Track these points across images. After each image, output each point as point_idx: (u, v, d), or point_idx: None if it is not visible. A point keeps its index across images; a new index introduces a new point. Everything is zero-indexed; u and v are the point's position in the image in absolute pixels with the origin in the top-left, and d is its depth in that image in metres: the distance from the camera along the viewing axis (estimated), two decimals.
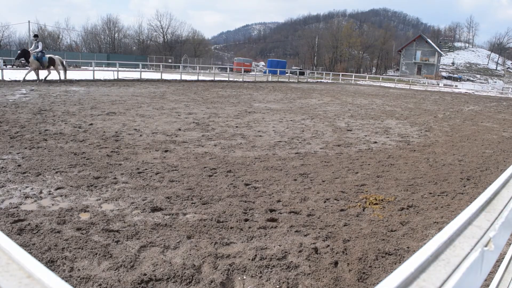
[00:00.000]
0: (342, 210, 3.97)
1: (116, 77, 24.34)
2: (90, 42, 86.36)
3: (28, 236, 2.94)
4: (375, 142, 8.08)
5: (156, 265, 2.63)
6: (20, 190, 3.96)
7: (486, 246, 0.67)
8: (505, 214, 0.81)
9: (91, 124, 8.12)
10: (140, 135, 7.28)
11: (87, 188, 4.16)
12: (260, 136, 8.00)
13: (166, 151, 6.17)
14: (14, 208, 3.48)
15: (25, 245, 2.81)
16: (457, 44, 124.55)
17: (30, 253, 2.60)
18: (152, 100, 13.46)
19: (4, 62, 20.51)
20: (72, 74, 21.43)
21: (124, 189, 4.22)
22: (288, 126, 9.53)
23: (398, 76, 71.17)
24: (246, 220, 3.50)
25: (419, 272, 0.54)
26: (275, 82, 34.89)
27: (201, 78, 30.26)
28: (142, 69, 27.61)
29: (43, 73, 17.97)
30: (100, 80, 21.64)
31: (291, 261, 2.78)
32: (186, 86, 21.82)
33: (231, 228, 3.31)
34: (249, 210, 3.78)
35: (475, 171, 6.06)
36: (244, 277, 2.57)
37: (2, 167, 4.70)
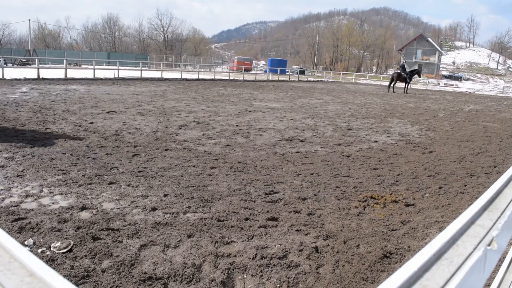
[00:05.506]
0: (342, 209, 3.97)
1: (116, 76, 24.35)
2: (90, 40, 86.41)
3: (29, 235, 2.94)
4: (376, 141, 8.08)
5: (157, 264, 2.63)
6: (20, 189, 3.96)
7: (489, 245, 0.66)
8: (508, 213, 0.80)
9: (92, 122, 8.12)
10: (141, 134, 7.28)
11: (88, 186, 4.16)
12: (261, 135, 8.00)
13: (166, 149, 6.16)
14: (14, 206, 3.48)
15: (25, 243, 2.81)
16: (458, 43, 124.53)
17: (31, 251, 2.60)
18: (153, 98, 13.45)
19: (4, 60, 20.51)
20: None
21: (125, 187, 4.22)
22: (288, 125, 9.52)
23: None
24: (247, 219, 3.50)
25: (422, 271, 0.54)
26: (276, 81, 34.87)
27: (201, 76, 30.26)
28: (143, 68, 27.61)
29: None
30: (100, 79, 21.65)
31: (292, 260, 2.78)
32: (187, 85, 21.81)
33: (232, 227, 3.31)
34: (250, 209, 3.78)
35: (475, 170, 6.06)
36: (245, 276, 2.57)
37: (3, 166, 4.70)
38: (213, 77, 30.92)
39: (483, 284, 0.65)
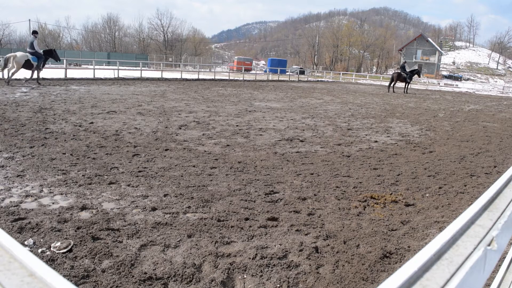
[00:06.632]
0: (342, 209, 3.97)
1: (116, 76, 24.34)
2: (90, 40, 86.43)
3: (29, 235, 2.95)
4: (376, 141, 8.08)
5: (157, 264, 2.63)
6: (20, 189, 3.96)
7: (489, 245, 0.66)
8: (508, 213, 0.80)
9: (92, 122, 8.11)
10: (141, 134, 7.28)
11: (88, 186, 4.16)
12: (261, 135, 8.00)
13: (166, 149, 6.16)
14: (14, 206, 3.48)
15: (25, 243, 2.81)
16: (458, 43, 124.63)
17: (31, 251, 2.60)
18: (153, 98, 13.45)
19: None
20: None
21: (125, 188, 4.22)
22: (288, 125, 9.52)
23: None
24: (247, 219, 3.50)
25: (422, 271, 0.54)
26: (276, 81, 34.87)
27: (201, 76, 30.26)
28: (143, 68, 27.60)
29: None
30: (100, 79, 21.64)
31: (292, 260, 2.78)
32: (187, 85, 21.81)
33: (232, 227, 3.31)
34: (250, 209, 3.78)
35: (475, 170, 6.06)
36: (245, 276, 2.57)
37: (3, 166, 4.70)
38: (213, 77, 30.90)
39: (483, 284, 0.65)
